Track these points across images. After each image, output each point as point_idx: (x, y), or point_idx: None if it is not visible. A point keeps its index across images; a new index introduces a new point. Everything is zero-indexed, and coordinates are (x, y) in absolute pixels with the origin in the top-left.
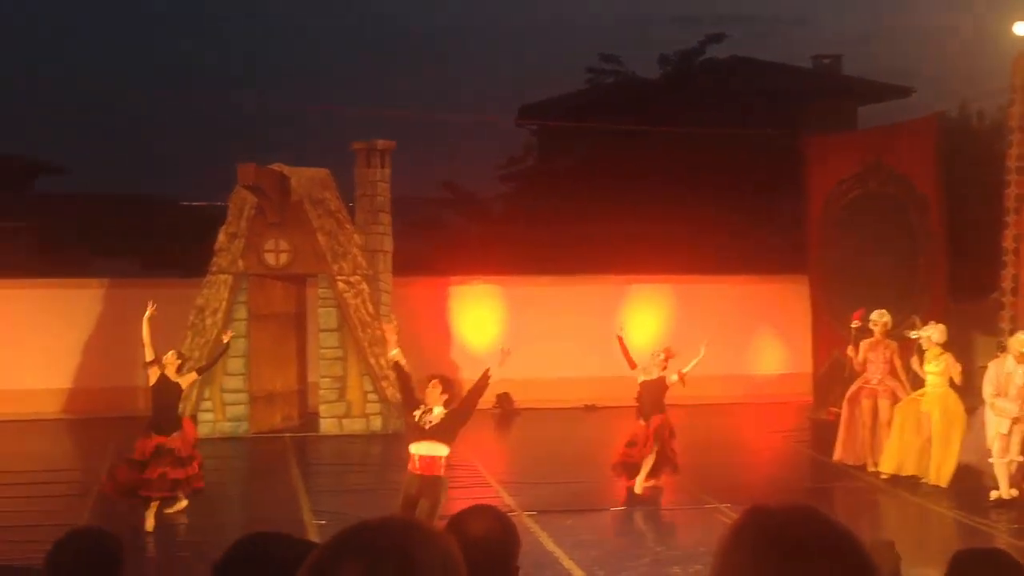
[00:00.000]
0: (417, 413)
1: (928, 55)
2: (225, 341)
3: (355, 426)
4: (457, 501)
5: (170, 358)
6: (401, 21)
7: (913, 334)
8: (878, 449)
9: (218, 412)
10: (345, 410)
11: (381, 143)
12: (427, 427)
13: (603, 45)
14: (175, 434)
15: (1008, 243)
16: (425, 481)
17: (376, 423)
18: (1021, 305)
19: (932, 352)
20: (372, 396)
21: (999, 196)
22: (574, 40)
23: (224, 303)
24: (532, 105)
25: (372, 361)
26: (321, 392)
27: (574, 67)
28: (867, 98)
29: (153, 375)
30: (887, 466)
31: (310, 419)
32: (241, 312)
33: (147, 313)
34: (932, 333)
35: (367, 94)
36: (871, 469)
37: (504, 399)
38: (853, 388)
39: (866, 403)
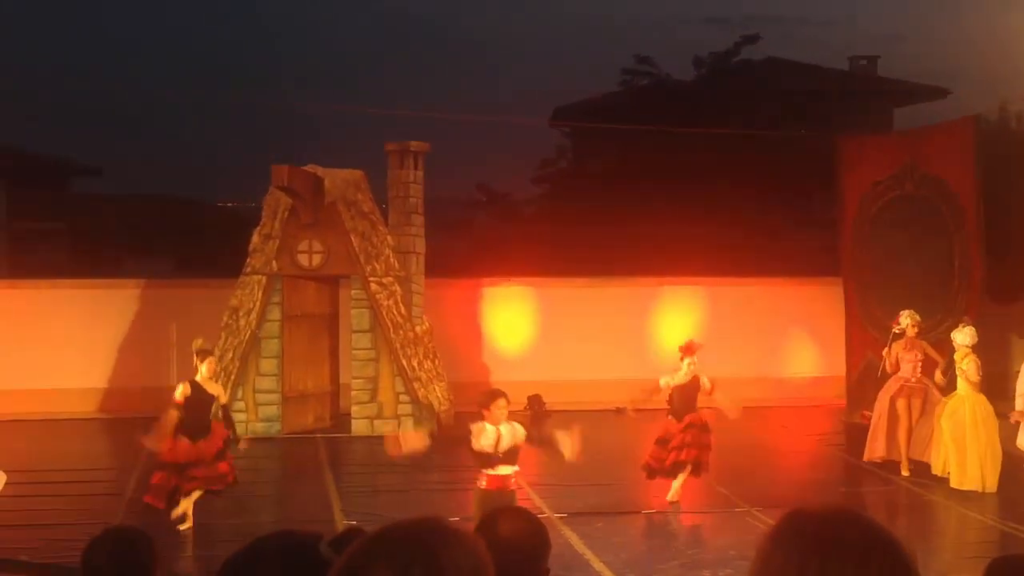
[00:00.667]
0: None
1: (966, 56)
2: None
3: (387, 427)
4: None
5: (207, 367)
6: (435, 23)
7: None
8: (914, 448)
9: (251, 412)
10: (377, 411)
11: (414, 145)
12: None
13: (637, 47)
14: (203, 439)
15: None
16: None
17: (408, 424)
18: None
19: (959, 353)
20: (404, 397)
21: None
22: (608, 42)
23: (258, 304)
24: (565, 107)
25: (404, 362)
26: (353, 393)
27: (608, 69)
28: (903, 99)
29: (185, 387)
30: (938, 468)
31: (342, 420)
32: (275, 313)
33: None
34: (957, 336)
35: (401, 96)
36: (904, 472)
37: (535, 401)
38: (890, 388)
39: (901, 403)
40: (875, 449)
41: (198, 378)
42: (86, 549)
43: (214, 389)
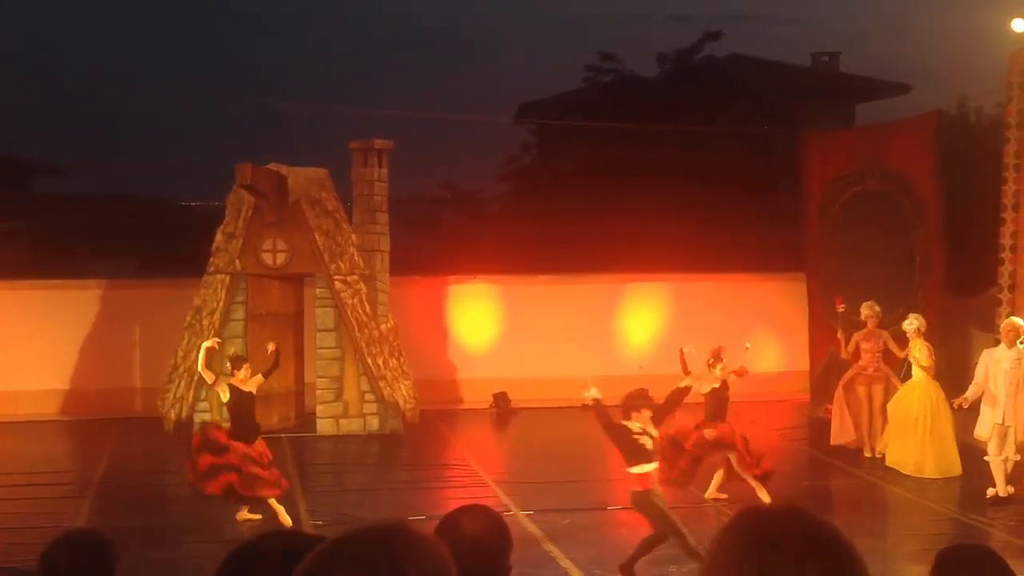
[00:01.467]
0: (640, 437)
1: (926, 53)
2: (270, 351)
3: (352, 426)
4: (453, 500)
5: (244, 373)
6: (398, 20)
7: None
8: (875, 435)
9: (215, 412)
10: (342, 410)
11: (379, 142)
12: (650, 448)
13: (601, 43)
14: (257, 442)
15: (1005, 240)
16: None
17: (373, 423)
18: (1018, 301)
19: (911, 342)
20: (369, 396)
21: (997, 193)
22: (572, 38)
23: (221, 303)
24: (530, 104)
25: (369, 361)
26: (318, 392)
27: (573, 66)
28: (865, 96)
29: (224, 392)
30: (891, 459)
31: (307, 419)
32: (238, 312)
33: (207, 344)
34: (905, 324)
35: (364, 94)
36: (867, 455)
37: (501, 398)
38: (848, 375)
39: (861, 390)
40: (841, 434)
41: (235, 381)
42: (44, 552)
43: (252, 387)
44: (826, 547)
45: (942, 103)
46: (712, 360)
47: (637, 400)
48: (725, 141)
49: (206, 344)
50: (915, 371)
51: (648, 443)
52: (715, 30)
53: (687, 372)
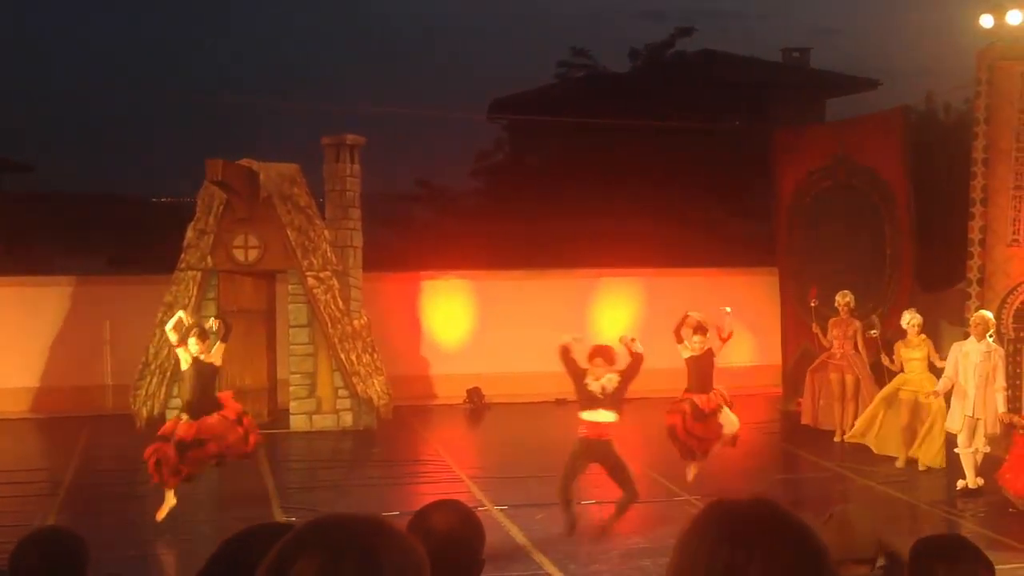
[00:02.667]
0: (591, 382)
1: (895, 48)
2: (216, 325)
3: (325, 422)
4: (427, 496)
5: (194, 343)
6: (370, 16)
7: (873, 333)
8: (847, 420)
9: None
10: (315, 406)
11: (350, 138)
12: (602, 395)
13: (572, 39)
14: (214, 415)
15: (974, 234)
16: (597, 446)
17: (347, 419)
18: (987, 295)
19: (915, 339)
20: (343, 392)
21: (965, 187)
22: (543, 34)
23: (193, 300)
24: (503, 99)
25: (343, 357)
26: (291, 388)
27: (544, 61)
28: (835, 90)
29: (184, 360)
30: (856, 435)
31: (280, 415)
32: (210, 309)
33: (181, 314)
34: (912, 319)
35: (336, 89)
36: (837, 439)
37: (474, 394)
38: (817, 361)
39: (834, 376)
40: (808, 415)
41: (197, 352)
42: (14, 550)
43: (213, 359)
44: (794, 539)
45: (911, 98)
46: (683, 329)
47: (596, 353)
48: (697, 136)
49: (180, 313)
50: (912, 366)
51: (596, 390)
52: (687, 26)
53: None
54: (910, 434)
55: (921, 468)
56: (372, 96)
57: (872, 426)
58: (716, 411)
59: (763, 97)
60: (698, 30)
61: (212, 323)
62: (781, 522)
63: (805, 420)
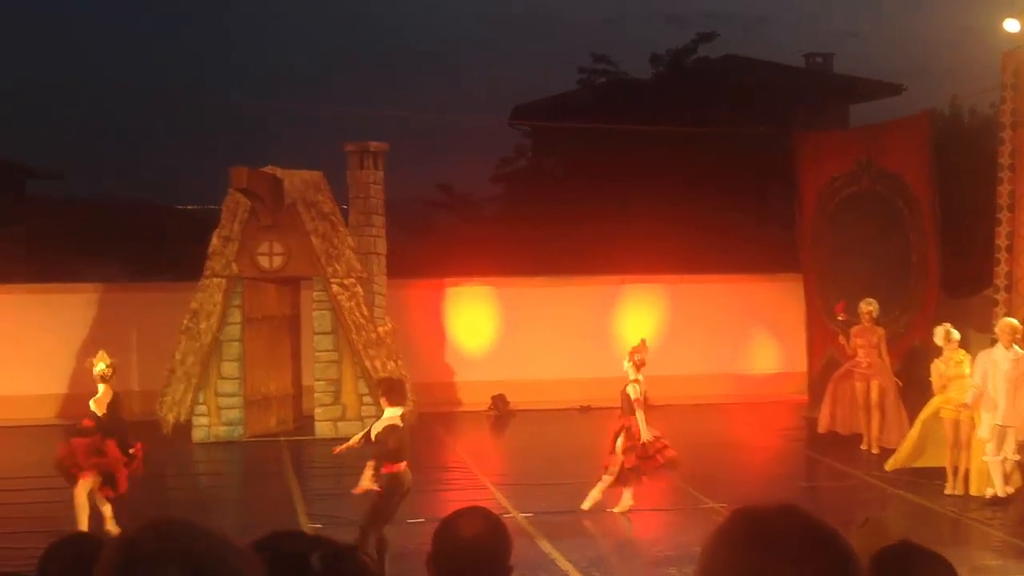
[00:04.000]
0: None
1: (919, 53)
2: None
3: (350, 429)
4: (452, 503)
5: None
6: (393, 24)
7: (841, 318)
8: (873, 430)
9: (213, 416)
10: (340, 413)
11: (374, 145)
12: None
13: (594, 45)
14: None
15: (1001, 240)
16: None
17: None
18: (1014, 301)
19: (955, 355)
20: (367, 399)
21: (991, 193)
22: (565, 40)
23: (218, 307)
24: (525, 106)
25: (367, 364)
26: (316, 395)
27: (566, 67)
28: (859, 96)
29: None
30: (900, 461)
31: (305, 422)
32: (235, 315)
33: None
34: (950, 333)
35: (360, 96)
36: (863, 447)
37: (499, 400)
38: (842, 370)
39: (859, 385)
40: (826, 422)
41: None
42: (44, 555)
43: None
44: (824, 547)
45: (935, 103)
46: (638, 355)
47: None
48: (720, 142)
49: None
50: (958, 384)
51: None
52: (709, 31)
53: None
54: (956, 454)
55: (975, 494)
56: (395, 103)
57: (917, 452)
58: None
59: (786, 103)
60: (720, 35)
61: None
62: (812, 529)
63: (822, 428)
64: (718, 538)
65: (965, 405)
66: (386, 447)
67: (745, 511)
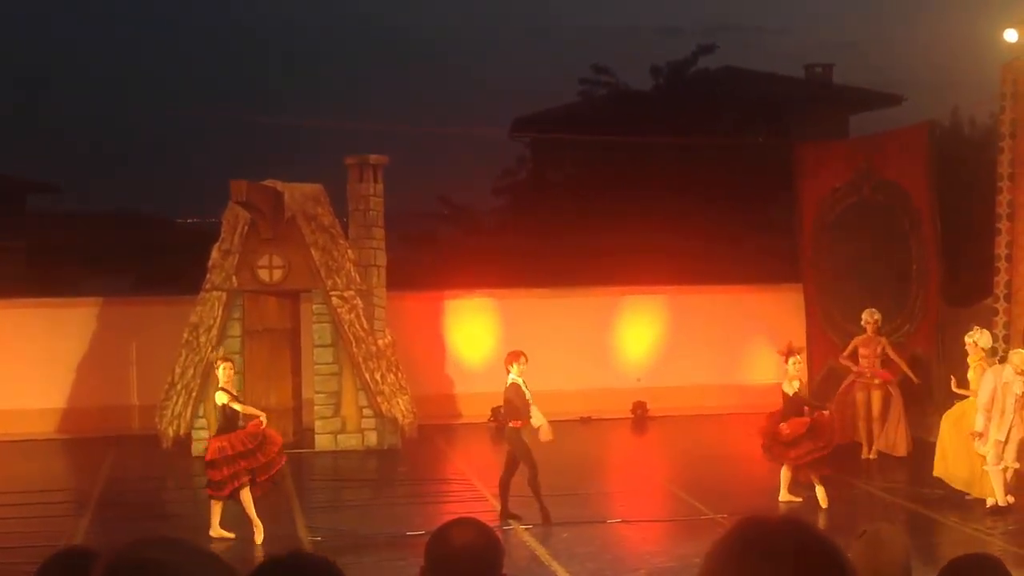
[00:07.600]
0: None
1: (918, 63)
2: None
3: (350, 442)
4: (452, 515)
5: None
6: (393, 36)
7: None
8: (872, 439)
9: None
10: (340, 426)
11: (373, 158)
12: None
13: (594, 56)
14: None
15: (1001, 249)
16: None
17: (371, 438)
18: (1014, 311)
19: (981, 362)
20: (367, 411)
21: (991, 202)
22: (565, 52)
23: (218, 320)
24: (525, 117)
25: (367, 376)
26: (316, 408)
27: (566, 79)
28: (859, 106)
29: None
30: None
31: (305, 435)
32: (235, 329)
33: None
34: (980, 338)
35: (359, 109)
36: (864, 456)
37: (499, 412)
38: (847, 382)
39: (860, 396)
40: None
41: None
42: (39, 569)
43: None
44: (822, 559)
45: (935, 113)
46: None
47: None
48: (720, 153)
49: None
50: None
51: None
52: (708, 43)
53: None
54: (978, 463)
55: (989, 504)
56: (395, 115)
57: (946, 459)
58: None
59: (786, 114)
60: (719, 47)
61: None
62: (811, 541)
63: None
64: (721, 548)
65: (977, 434)
66: (513, 405)
67: (746, 522)
